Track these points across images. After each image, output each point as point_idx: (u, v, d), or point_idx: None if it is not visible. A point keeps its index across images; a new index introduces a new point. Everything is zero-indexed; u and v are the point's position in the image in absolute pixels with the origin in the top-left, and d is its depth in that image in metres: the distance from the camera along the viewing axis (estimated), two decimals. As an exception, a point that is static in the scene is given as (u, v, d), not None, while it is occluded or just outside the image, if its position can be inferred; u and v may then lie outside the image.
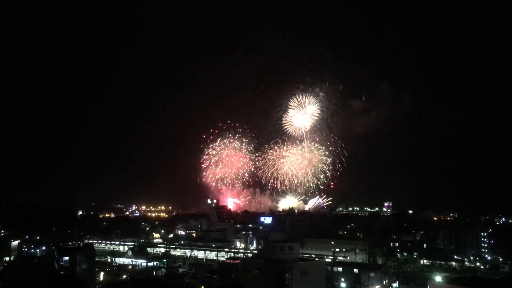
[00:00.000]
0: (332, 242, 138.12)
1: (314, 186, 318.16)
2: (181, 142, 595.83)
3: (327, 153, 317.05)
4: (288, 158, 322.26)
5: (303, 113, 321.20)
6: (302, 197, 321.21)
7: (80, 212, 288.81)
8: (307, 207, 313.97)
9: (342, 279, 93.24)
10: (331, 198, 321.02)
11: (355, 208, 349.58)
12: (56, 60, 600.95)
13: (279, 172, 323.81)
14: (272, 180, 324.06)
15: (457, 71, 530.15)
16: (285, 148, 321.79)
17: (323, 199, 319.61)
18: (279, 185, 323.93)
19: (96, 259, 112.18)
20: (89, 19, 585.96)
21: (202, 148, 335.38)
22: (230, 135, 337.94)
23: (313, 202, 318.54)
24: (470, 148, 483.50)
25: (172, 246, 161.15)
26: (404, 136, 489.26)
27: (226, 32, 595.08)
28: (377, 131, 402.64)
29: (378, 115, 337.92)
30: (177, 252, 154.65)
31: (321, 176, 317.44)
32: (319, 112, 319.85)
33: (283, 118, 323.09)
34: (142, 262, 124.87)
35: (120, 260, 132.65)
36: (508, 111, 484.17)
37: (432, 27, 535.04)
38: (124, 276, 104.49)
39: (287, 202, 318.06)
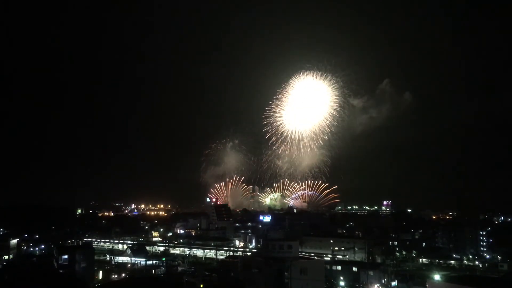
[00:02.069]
0: (331, 241, 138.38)
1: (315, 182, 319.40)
2: (181, 141, 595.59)
3: (324, 151, 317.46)
4: (288, 158, 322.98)
5: (302, 111, 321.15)
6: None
7: (79, 211, 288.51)
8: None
9: (341, 278, 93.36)
10: (338, 194, 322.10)
11: (354, 207, 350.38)
12: (56, 58, 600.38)
13: (277, 171, 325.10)
14: (270, 179, 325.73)
15: (458, 69, 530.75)
16: (283, 147, 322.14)
17: (317, 190, 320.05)
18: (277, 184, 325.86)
19: (95, 258, 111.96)
20: (87, 16, 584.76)
21: (202, 146, 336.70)
22: (230, 133, 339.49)
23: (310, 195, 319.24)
24: (469, 147, 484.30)
25: (171, 245, 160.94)
26: (404, 134, 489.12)
27: (224, 32, 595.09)
28: (377, 130, 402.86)
29: (378, 114, 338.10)
30: (176, 251, 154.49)
31: (320, 174, 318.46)
32: (319, 109, 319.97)
33: (281, 116, 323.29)
34: (141, 261, 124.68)
35: (119, 259, 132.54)
36: (508, 111, 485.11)
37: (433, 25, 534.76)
38: (123, 275, 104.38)
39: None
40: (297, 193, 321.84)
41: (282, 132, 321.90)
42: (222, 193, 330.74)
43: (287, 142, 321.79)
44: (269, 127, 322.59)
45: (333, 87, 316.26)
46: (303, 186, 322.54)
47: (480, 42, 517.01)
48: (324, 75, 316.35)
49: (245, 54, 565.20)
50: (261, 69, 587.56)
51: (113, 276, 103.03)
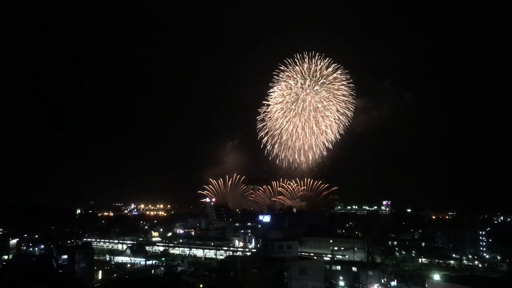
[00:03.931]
0: (331, 241, 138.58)
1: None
2: (181, 142, 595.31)
3: (325, 152, 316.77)
4: (287, 158, 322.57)
5: (301, 111, 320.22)
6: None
7: (78, 211, 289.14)
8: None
9: (341, 278, 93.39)
10: (337, 196, 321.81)
11: (353, 207, 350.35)
12: (59, 59, 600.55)
13: (276, 171, 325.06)
14: (270, 178, 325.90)
15: (458, 71, 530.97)
16: (282, 147, 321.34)
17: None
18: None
19: (95, 258, 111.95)
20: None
21: (202, 147, 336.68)
22: (230, 134, 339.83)
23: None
24: (469, 147, 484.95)
25: (171, 245, 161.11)
26: (404, 134, 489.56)
27: (224, 33, 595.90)
28: (377, 129, 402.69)
29: (378, 114, 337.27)
30: (176, 251, 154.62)
31: (320, 174, 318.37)
32: (317, 109, 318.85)
33: (281, 117, 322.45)
34: (140, 261, 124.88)
35: (118, 259, 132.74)
36: (506, 111, 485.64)
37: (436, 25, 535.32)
38: (119, 275, 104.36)
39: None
40: (296, 193, 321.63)
41: (282, 132, 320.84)
42: (221, 190, 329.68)
43: (287, 142, 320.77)
44: (268, 127, 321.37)
45: (334, 87, 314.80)
46: (304, 187, 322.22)
47: (483, 41, 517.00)
48: (325, 75, 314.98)
49: (245, 54, 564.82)
50: (261, 68, 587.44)
51: (112, 276, 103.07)
